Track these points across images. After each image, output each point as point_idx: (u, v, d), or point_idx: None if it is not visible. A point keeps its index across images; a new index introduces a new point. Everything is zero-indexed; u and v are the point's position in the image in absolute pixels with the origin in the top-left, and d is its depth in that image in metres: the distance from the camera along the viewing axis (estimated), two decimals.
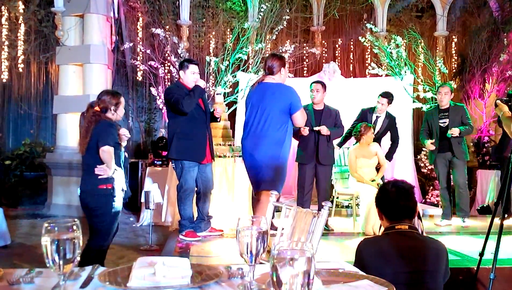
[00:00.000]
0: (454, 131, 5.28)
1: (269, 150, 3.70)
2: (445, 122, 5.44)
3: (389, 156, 5.71)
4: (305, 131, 4.85)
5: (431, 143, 5.49)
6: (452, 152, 5.43)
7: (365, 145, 5.26)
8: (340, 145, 5.81)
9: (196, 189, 4.60)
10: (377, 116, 5.67)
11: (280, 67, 3.83)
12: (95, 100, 3.51)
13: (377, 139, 5.61)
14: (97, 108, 3.40)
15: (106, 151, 3.26)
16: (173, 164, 4.57)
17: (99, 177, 3.30)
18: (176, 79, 4.73)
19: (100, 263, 3.35)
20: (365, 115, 5.67)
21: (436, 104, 5.79)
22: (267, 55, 7.75)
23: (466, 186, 5.55)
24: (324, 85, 5.13)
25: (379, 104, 5.59)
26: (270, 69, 3.84)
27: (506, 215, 4.34)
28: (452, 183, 5.68)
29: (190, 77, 4.43)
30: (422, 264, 2.11)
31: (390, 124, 5.69)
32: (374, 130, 5.56)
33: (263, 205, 3.58)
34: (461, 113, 5.46)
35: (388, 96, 5.61)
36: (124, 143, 3.58)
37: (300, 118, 3.79)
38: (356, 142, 5.36)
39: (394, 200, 2.21)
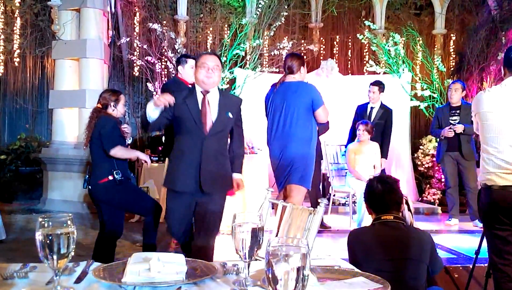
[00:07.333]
0: (458, 128, 5.21)
1: (298, 149, 3.70)
2: (455, 120, 5.35)
3: (383, 153, 5.51)
4: None
5: (447, 132, 5.28)
6: (460, 152, 5.32)
7: (362, 143, 5.27)
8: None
9: None
10: (371, 107, 5.65)
11: (299, 66, 3.85)
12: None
13: (375, 131, 5.44)
14: (98, 105, 3.63)
15: (117, 151, 3.43)
16: None
17: (103, 169, 3.48)
18: (174, 75, 4.73)
19: (112, 254, 3.56)
20: (363, 109, 5.66)
21: (433, 103, 5.76)
22: (264, 51, 7.76)
23: (477, 190, 5.43)
24: None
25: (371, 93, 5.57)
26: (290, 69, 3.86)
27: None
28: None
29: (190, 72, 4.46)
30: (404, 253, 2.21)
31: (386, 114, 5.61)
32: (370, 120, 5.52)
33: (293, 200, 3.61)
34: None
35: (378, 83, 5.60)
36: (128, 141, 3.75)
37: (322, 114, 3.75)
38: (357, 140, 5.35)
39: (380, 195, 2.36)
